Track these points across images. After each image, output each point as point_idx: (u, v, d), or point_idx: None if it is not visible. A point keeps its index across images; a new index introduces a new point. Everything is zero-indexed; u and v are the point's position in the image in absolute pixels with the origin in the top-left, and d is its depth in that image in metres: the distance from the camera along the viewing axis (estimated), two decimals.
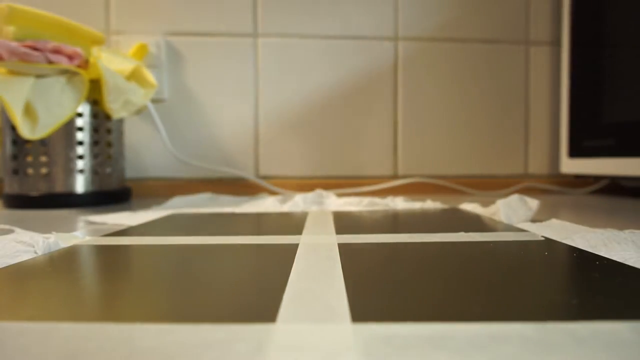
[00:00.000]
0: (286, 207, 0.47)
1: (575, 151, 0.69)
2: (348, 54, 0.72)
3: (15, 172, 0.54)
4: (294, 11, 0.71)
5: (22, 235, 0.26)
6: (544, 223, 0.33)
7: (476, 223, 0.33)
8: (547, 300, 0.14)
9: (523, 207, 0.35)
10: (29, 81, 0.48)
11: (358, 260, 0.21)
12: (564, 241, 0.26)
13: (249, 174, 0.71)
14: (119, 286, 0.17)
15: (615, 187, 0.75)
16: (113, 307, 0.14)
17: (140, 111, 0.63)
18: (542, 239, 0.26)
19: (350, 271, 0.18)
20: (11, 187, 0.54)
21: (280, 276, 0.18)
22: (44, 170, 0.53)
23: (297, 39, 0.71)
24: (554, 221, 0.33)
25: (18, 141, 0.53)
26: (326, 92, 0.72)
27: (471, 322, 0.12)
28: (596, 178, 0.75)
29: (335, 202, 0.49)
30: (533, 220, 0.34)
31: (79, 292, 0.16)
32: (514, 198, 0.36)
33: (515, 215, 0.34)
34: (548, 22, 0.74)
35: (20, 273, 0.19)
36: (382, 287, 0.16)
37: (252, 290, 0.16)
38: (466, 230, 0.29)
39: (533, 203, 0.36)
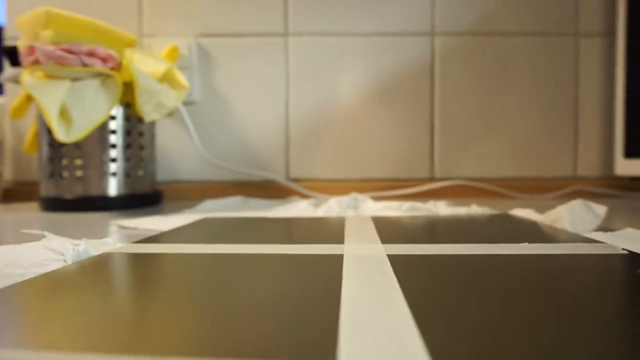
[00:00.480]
0: (320, 212, 0.44)
1: (632, 151, 0.63)
2: (382, 52, 0.69)
3: (52, 175, 0.54)
4: (324, 9, 0.69)
5: (52, 241, 0.25)
6: (616, 232, 0.29)
7: (536, 232, 0.29)
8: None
9: (589, 213, 0.31)
10: (65, 84, 0.48)
11: (416, 277, 0.18)
12: None
13: (280, 177, 0.69)
14: (147, 306, 0.15)
15: None
16: (140, 334, 0.12)
17: (172, 113, 0.63)
18: (625, 252, 0.23)
19: (411, 291, 0.16)
20: (47, 190, 0.55)
21: (331, 296, 0.15)
22: (78, 173, 0.53)
23: (328, 37, 0.69)
24: (629, 230, 0.29)
25: (54, 144, 0.53)
26: (359, 92, 0.70)
27: None
28: None
29: (373, 207, 0.46)
30: (603, 230, 0.30)
31: (105, 312, 0.14)
32: (578, 203, 0.32)
33: (581, 223, 0.30)
34: (600, 10, 0.69)
35: (47, 285, 0.17)
36: (455, 312, 0.13)
37: (301, 315, 0.13)
38: (529, 241, 0.26)
39: (600, 209, 0.32)
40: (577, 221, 0.30)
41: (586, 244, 0.25)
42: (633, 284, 0.18)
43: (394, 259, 0.21)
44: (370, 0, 0.69)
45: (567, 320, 0.13)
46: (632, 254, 0.22)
